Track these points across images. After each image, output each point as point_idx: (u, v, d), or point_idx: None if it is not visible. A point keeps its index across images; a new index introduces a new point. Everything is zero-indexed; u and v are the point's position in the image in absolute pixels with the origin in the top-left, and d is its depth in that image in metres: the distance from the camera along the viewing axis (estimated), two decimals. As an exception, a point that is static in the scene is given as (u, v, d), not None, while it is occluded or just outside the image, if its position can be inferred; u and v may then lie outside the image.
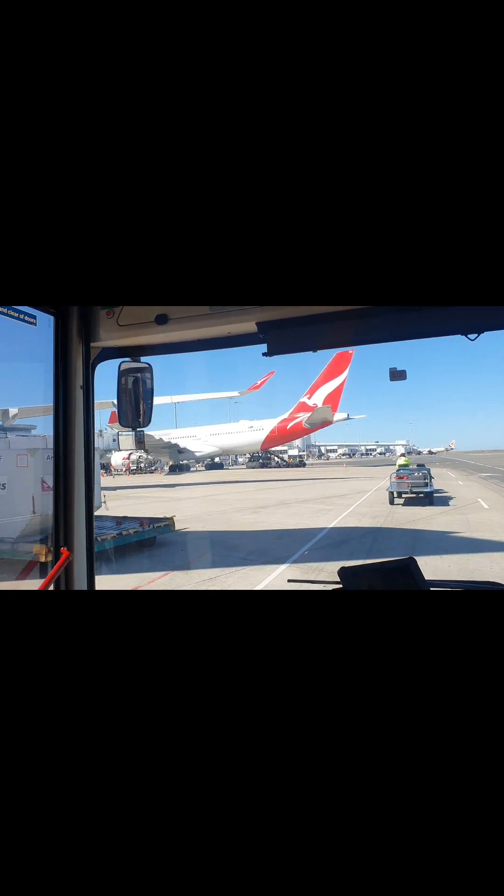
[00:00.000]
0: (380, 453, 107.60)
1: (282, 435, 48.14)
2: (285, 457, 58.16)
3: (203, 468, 51.88)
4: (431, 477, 16.81)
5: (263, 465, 53.08)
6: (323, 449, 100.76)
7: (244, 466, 55.16)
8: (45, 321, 1.80)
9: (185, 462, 48.84)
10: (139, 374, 1.81)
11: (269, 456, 54.70)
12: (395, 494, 16.49)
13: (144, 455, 47.01)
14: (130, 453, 47.22)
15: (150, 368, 1.83)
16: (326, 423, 46.30)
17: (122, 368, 1.82)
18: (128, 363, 1.83)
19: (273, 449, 57.91)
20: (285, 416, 48.53)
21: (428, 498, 16.14)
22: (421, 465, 18.68)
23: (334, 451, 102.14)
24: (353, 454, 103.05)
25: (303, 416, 45.78)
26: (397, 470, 17.61)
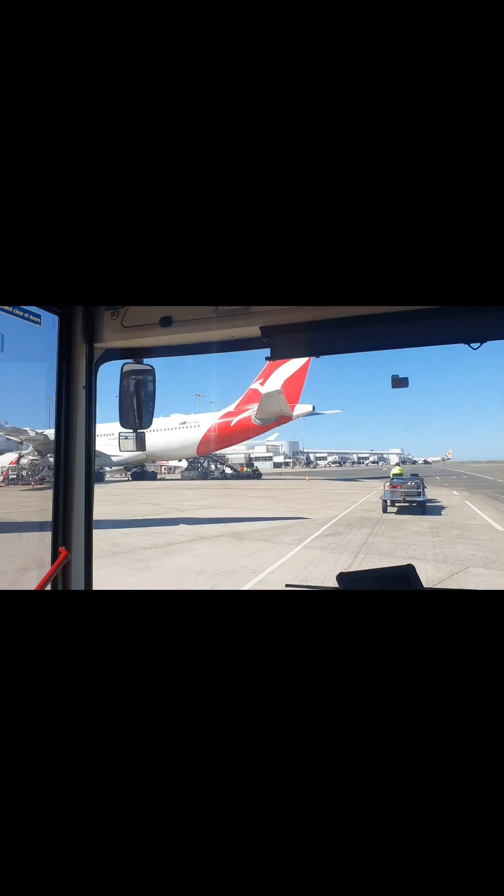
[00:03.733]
0: (373, 462, 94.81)
1: (224, 433, 34.67)
2: (266, 465, 45.07)
3: (128, 477, 38.76)
4: (424, 486, 16.57)
5: (204, 476, 39.63)
6: (312, 456, 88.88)
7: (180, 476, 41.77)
8: (50, 321, 1.80)
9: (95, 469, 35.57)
10: (141, 377, 1.84)
11: (216, 463, 41.22)
12: (389, 503, 16.25)
13: (39, 458, 33.97)
14: (21, 456, 34.21)
15: (152, 371, 1.85)
16: (284, 418, 32.97)
17: (124, 370, 1.85)
18: (131, 365, 1.85)
19: (255, 454, 44.73)
20: (230, 408, 35.32)
21: (420, 507, 15.89)
22: (414, 475, 18.34)
23: (324, 458, 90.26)
24: (344, 462, 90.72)
25: (253, 409, 32.78)
26: (391, 479, 17.46)
